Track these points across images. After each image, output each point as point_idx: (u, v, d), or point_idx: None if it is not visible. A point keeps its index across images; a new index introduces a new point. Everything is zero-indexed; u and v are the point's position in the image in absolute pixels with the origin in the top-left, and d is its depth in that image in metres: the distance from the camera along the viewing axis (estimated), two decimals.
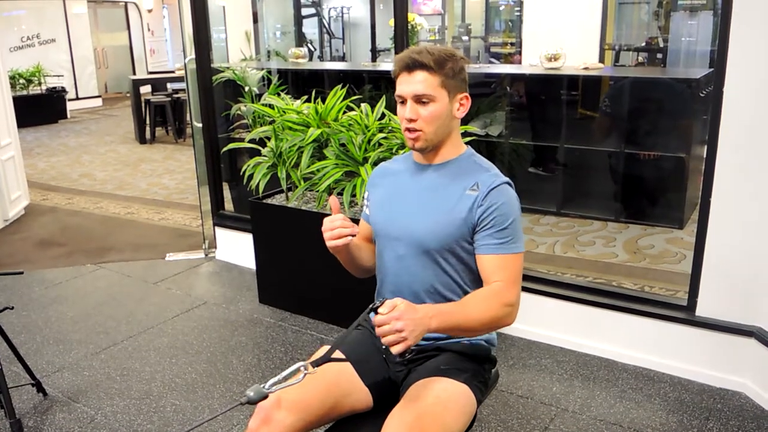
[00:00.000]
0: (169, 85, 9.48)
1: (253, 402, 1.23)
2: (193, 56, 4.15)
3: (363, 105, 3.33)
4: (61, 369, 2.97)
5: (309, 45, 9.87)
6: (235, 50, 5.77)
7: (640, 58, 7.49)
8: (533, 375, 2.83)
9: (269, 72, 5.17)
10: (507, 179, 1.63)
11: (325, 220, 1.59)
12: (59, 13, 12.73)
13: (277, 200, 3.56)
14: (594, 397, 2.65)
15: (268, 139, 3.46)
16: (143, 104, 9.03)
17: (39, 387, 2.69)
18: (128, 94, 10.76)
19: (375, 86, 5.08)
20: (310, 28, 10.83)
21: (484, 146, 4.74)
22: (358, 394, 1.64)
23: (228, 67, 4.70)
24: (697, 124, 4.26)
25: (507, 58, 9.29)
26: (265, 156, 3.44)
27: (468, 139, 2.70)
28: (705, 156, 2.59)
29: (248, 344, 3.18)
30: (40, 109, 10.76)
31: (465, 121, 1.99)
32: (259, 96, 4.42)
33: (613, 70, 6.13)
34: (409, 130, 1.60)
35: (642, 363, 2.85)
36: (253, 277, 3.72)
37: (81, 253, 4.57)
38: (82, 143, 9.17)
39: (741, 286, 2.59)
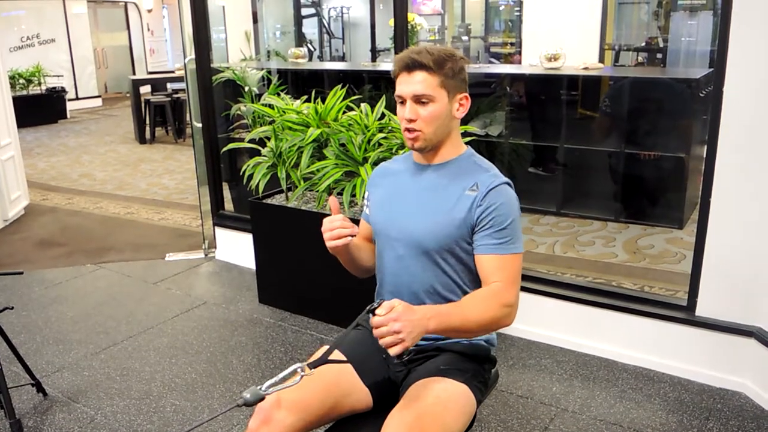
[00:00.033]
0: (168, 85, 9.48)
1: (249, 404, 1.22)
2: (193, 56, 4.15)
3: (363, 105, 3.33)
4: (60, 369, 2.97)
5: (309, 45, 9.87)
6: (234, 50, 5.77)
7: (640, 58, 7.49)
8: (533, 375, 2.83)
9: (269, 72, 5.17)
10: (506, 179, 1.62)
11: (325, 221, 1.59)
12: (59, 13, 12.73)
13: (277, 200, 3.56)
14: (594, 397, 2.65)
15: (268, 139, 3.46)
16: (143, 104, 9.04)
17: (39, 387, 2.69)
18: (128, 94, 10.76)
19: (375, 86, 5.08)
20: (309, 28, 10.83)
21: (483, 146, 4.74)
22: (358, 394, 1.64)
23: (228, 67, 4.70)
24: (697, 124, 4.26)
25: (507, 58, 9.29)
26: (264, 156, 3.44)
27: (468, 139, 2.70)
28: (705, 156, 2.59)
29: (248, 344, 3.18)
30: (39, 109, 10.76)
31: (465, 121, 1.99)
32: (259, 96, 4.42)
33: (613, 70, 6.13)
34: (408, 130, 1.60)
35: (642, 363, 2.85)
36: (253, 277, 3.72)
37: (81, 253, 4.57)
38: (82, 143, 9.17)
39: (741, 286, 2.59)
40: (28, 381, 2.68)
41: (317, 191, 3.19)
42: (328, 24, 11.34)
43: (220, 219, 4.32)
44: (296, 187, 3.30)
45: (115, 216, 5.51)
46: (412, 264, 1.64)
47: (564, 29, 5.45)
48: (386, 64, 5.74)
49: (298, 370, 1.31)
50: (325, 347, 1.50)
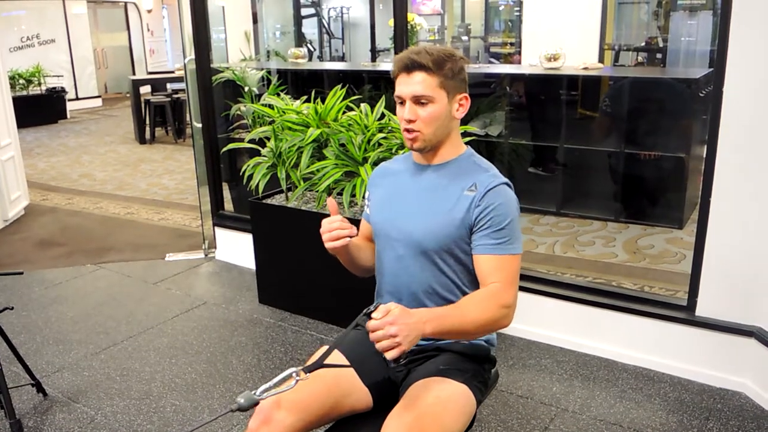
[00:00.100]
0: (168, 86, 9.48)
1: (243, 409, 1.22)
2: (193, 56, 4.15)
3: (362, 105, 3.33)
4: (61, 369, 2.97)
5: (308, 45, 9.87)
6: (234, 50, 5.77)
7: (640, 58, 7.49)
8: (533, 375, 2.83)
9: (269, 72, 5.17)
10: (506, 180, 1.62)
11: (324, 222, 1.60)
12: (59, 13, 12.73)
13: (277, 200, 3.56)
14: (594, 397, 2.65)
15: (268, 139, 3.46)
16: (143, 104, 9.04)
17: (39, 387, 2.69)
18: (128, 95, 10.77)
19: (374, 86, 5.08)
20: (309, 28, 10.83)
21: (483, 146, 4.74)
22: (357, 394, 1.64)
23: (228, 68, 4.70)
24: (697, 124, 4.26)
25: (507, 58, 9.30)
26: (264, 156, 3.44)
27: (468, 139, 2.70)
28: (705, 156, 2.59)
29: (248, 344, 3.18)
30: (39, 109, 10.76)
31: (465, 121, 1.99)
32: (259, 96, 4.43)
33: (613, 70, 6.13)
34: (407, 130, 1.60)
35: (642, 363, 2.85)
36: (253, 278, 3.72)
37: (81, 253, 4.57)
38: (82, 143, 9.17)
39: (741, 286, 2.59)
40: (28, 381, 2.68)
41: (317, 191, 3.19)
42: (328, 24, 11.34)
43: (220, 219, 4.32)
44: (296, 187, 3.30)
45: (115, 216, 5.51)
46: (412, 264, 1.64)
47: (564, 29, 5.46)
48: (386, 64, 5.74)
49: (293, 374, 1.30)
50: (324, 347, 1.50)
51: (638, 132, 4.45)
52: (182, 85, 6.11)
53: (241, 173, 3.54)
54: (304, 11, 10.19)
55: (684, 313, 2.74)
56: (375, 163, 2.97)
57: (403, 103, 1.60)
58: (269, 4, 8.90)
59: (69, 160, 8.03)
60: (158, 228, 5.14)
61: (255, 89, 4.55)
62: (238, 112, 4.44)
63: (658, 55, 7.23)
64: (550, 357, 2.97)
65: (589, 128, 4.75)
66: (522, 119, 4.95)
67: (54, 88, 11.24)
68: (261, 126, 3.78)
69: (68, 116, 11.51)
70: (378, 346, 1.32)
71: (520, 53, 6.84)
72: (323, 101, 3.37)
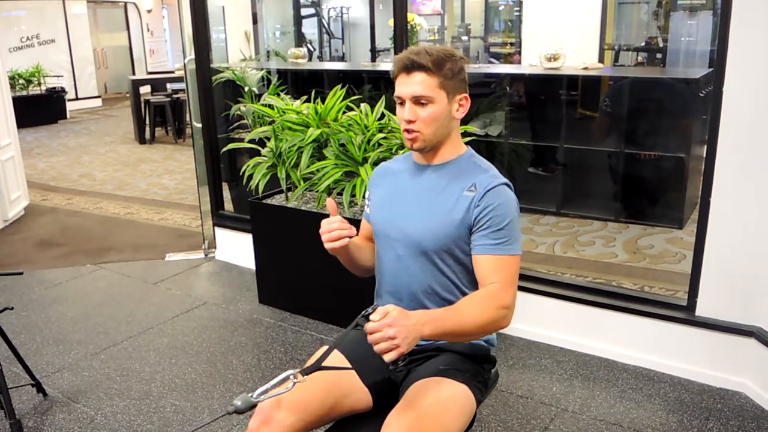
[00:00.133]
0: (168, 86, 9.48)
1: (240, 411, 1.21)
2: (193, 56, 4.15)
3: (362, 105, 3.33)
4: (60, 369, 2.97)
5: (308, 45, 9.87)
6: (234, 50, 5.77)
7: (640, 58, 7.49)
8: (533, 375, 2.83)
9: (269, 72, 5.17)
10: (505, 180, 1.62)
11: (323, 223, 1.59)
12: (59, 13, 12.73)
13: (277, 200, 3.56)
14: (594, 397, 2.65)
15: (268, 139, 3.46)
16: (143, 104, 9.04)
17: (39, 387, 2.69)
18: (128, 95, 10.76)
19: (374, 86, 5.08)
20: (309, 28, 10.83)
21: (483, 146, 4.74)
22: (357, 394, 1.64)
23: (227, 68, 4.70)
24: (697, 124, 4.26)
25: (506, 58, 9.30)
26: (264, 156, 3.44)
27: (467, 139, 2.70)
28: (705, 156, 2.59)
29: (248, 344, 3.18)
30: (39, 109, 10.76)
31: (464, 121, 1.99)
32: (259, 96, 4.43)
33: (613, 70, 6.13)
34: (407, 131, 1.60)
35: (642, 363, 2.85)
36: (253, 278, 3.72)
37: (81, 253, 4.57)
38: (82, 143, 9.17)
39: (741, 286, 2.59)
40: (28, 381, 2.68)
41: (317, 191, 3.19)
42: (328, 24, 11.34)
43: (220, 219, 4.32)
44: (296, 187, 3.30)
45: (115, 216, 5.51)
46: (411, 264, 1.64)
47: (564, 29, 5.46)
48: (386, 64, 5.74)
49: (291, 376, 1.30)
50: (324, 348, 1.50)
51: (638, 132, 4.45)
52: (182, 85, 6.12)
53: (241, 173, 3.54)
54: (304, 11, 10.19)
55: (684, 313, 2.74)
56: (375, 163, 2.97)
57: (402, 103, 1.59)
58: (269, 4, 8.90)
59: (69, 160, 8.03)
60: (158, 228, 5.14)
61: (255, 89, 4.55)
62: (238, 112, 4.44)
63: (658, 55, 7.24)
64: (550, 357, 2.97)
65: (589, 128, 4.75)
66: (522, 119, 4.95)
67: (54, 88, 11.24)
68: (261, 126, 3.78)
69: (68, 116, 11.51)
70: (376, 348, 1.31)
71: (520, 53, 6.84)
72: (323, 101, 3.37)
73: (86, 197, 6.18)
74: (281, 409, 1.51)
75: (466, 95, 1.63)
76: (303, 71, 5.79)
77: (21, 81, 10.65)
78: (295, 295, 3.48)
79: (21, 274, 2.78)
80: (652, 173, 4.47)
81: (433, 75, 1.54)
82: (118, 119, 11.51)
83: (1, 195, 5.07)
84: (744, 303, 2.59)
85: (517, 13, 9.56)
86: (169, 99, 8.93)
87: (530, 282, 3.08)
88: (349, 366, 1.65)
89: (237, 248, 4.16)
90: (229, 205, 4.50)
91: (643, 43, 7.48)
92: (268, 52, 7.89)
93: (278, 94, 3.82)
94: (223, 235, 4.31)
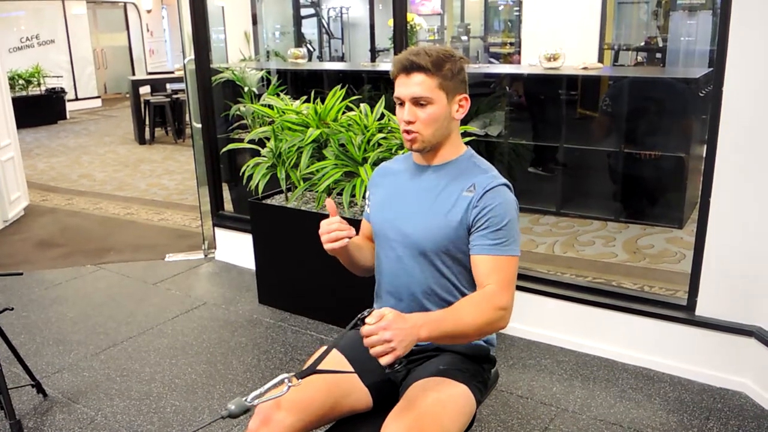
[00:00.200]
0: (168, 86, 9.48)
1: (234, 416, 1.21)
2: (193, 57, 4.15)
3: (362, 105, 3.33)
4: (60, 370, 2.97)
5: (308, 45, 9.87)
6: (234, 51, 5.77)
7: (639, 58, 7.50)
8: (533, 375, 2.83)
9: (268, 72, 5.17)
10: (505, 181, 1.61)
11: (322, 223, 1.59)
12: (58, 13, 12.73)
13: (277, 201, 3.56)
14: (594, 397, 2.65)
15: (268, 139, 3.46)
16: (142, 105, 9.04)
17: (39, 388, 2.69)
18: (127, 95, 10.76)
19: (374, 86, 5.08)
20: (309, 28, 10.84)
21: (483, 146, 4.74)
22: (357, 394, 1.64)
23: (227, 68, 4.70)
24: (697, 124, 4.26)
25: (506, 58, 9.30)
26: (264, 156, 3.44)
27: (467, 139, 2.70)
28: (704, 156, 2.59)
29: (248, 345, 3.18)
30: (39, 109, 10.76)
31: (464, 121, 1.99)
32: (259, 96, 4.42)
33: (612, 70, 6.14)
34: (407, 131, 1.60)
35: (642, 363, 2.85)
36: (253, 278, 3.72)
37: (80, 253, 4.57)
38: (82, 144, 9.17)
39: (741, 286, 2.59)
40: (28, 382, 2.68)
41: (317, 191, 3.19)
42: (328, 24, 11.35)
43: (220, 219, 4.32)
44: (296, 187, 3.30)
45: (115, 217, 5.51)
46: (410, 265, 1.64)
47: (563, 29, 5.46)
48: (386, 65, 5.74)
49: (285, 380, 1.29)
50: (323, 349, 1.50)
51: (638, 132, 4.45)
52: (182, 86, 6.11)
53: (240, 173, 3.54)
54: (303, 11, 10.20)
55: (684, 312, 2.74)
56: (375, 164, 2.97)
57: (402, 104, 1.59)
58: (269, 4, 8.90)
59: (68, 160, 8.03)
60: (158, 228, 5.14)
61: (255, 89, 4.55)
62: (238, 113, 4.44)
63: (658, 55, 7.24)
64: (550, 357, 2.97)
65: (589, 128, 4.75)
66: (522, 119, 4.95)
67: (53, 88, 11.24)
68: (261, 126, 3.78)
69: (68, 117, 11.51)
70: (372, 351, 1.30)
71: (519, 53, 6.85)
72: (323, 101, 3.37)
73: (86, 198, 6.18)
74: (281, 409, 1.51)
75: (466, 96, 1.62)
76: (303, 71, 5.79)
77: (21, 81, 10.65)
78: (295, 295, 3.48)
79: (21, 274, 2.78)
80: (651, 173, 4.47)
81: (432, 76, 1.54)
82: (118, 120, 11.51)
83: (0, 195, 5.07)
84: (744, 303, 2.59)
85: (517, 13, 9.57)
86: (168, 99, 8.93)
87: (530, 282, 3.08)
88: (348, 368, 1.65)
89: (237, 248, 4.16)
90: (229, 206, 4.50)
91: (642, 43, 7.49)
92: (267, 52, 7.89)
93: (278, 95, 3.82)
94: (223, 236, 4.31)
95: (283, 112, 3.52)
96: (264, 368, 2.94)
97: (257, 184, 3.36)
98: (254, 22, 6.84)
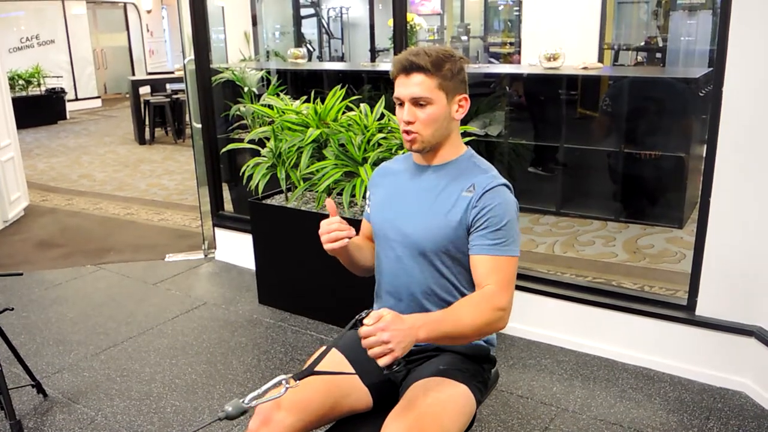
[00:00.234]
0: (168, 86, 9.49)
1: (231, 417, 1.20)
2: (192, 57, 4.15)
3: (362, 105, 3.33)
4: (61, 370, 2.97)
5: (308, 45, 9.88)
6: (234, 51, 5.77)
7: (639, 58, 7.50)
8: (533, 375, 2.83)
9: (268, 72, 5.17)
10: (505, 181, 1.61)
11: (322, 223, 1.59)
12: (58, 14, 12.74)
13: (277, 201, 3.56)
14: (594, 397, 2.65)
15: (268, 139, 3.46)
16: (142, 105, 9.04)
17: (39, 388, 2.69)
18: (127, 95, 10.77)
19: (374, 86, 5.08)
20: (309, 28, 10.84)
21: (483, 146, 4.74)
22: (357, 394, 1.64)
23: (227, 68, 4.70)
24: (697, 124, 4.26)
25: (506, 58, 9.30)
26: (264, 156, 3.44)
27: (467, 139, 2.70)
28: (704, 155, 2.59)
29: (248, 345, 3.18)
30: (39, 110, 10.76)
31: (464, 121, 1.99)
32: (259, 96, 4.42)
33: (612, 70, 6.14)
34: (406, 132, 1.60)
35: (642, 363, 2.85)
36: (253, 278, 3.72)
37: (80, 254, 4.57)
38: (82, 144, 9.17)
39: (741, 286, 2.59)
40: (28, 382, 2.68)
41: (317, 191, 3.19)
42: (327, 24, 11.35)
43: (220, 219, 4.32)
44: (296, 187, 3.30)
45: (115, 217, 5.51)
46: (410, 265, 1.64)
47: (563, 29, 5.46)
48: (385, 65, 5.74)
49: (283, 382, 1.29)
50: (322, 349, 1.50)
51: (638, 131, 4.45)
52: (182, 86, 6.12)
53: (240, 173, 3.54)
54: (303, 11, 10.20)
55: (684, 312, 2.74)
56: (375, 164, 2.97)
57: (401, 104, 1.59)
58: (269, 4, 8.90)
59: (68, 160, 8.03)
60: (158, 228, 5.14)
61: (254, 89, 4.55)
62: (238, 113, 4.44)
63: (658, 55, 7.24)
64: (550, 357, 2.97)
65: (589, 128, 4.75)
66: (521, 119, 4.95)
67: (53, 88, 11.25)
68: (260, 126, 3.78)
69: (68, 117, 11.51)
70: (370, 353, 1.30)
71: (519, 53, 6.85)
72: (323, 101, 3.37)
73: (86, 198, 6.18)
74: (281, 409, 1.51)
75: (466, 96, 1.62)
76: (302, 71, 5.79)
77: (21, 82, 10.66)
78: (295, 295, 3.48)
79: (21, 274, 2.78)
80: (651, 173, 4.47)
81: (431, 76, 1.54)
82: (118, 120, 11.51)
83: (0, 196, 5.07)
84: (744, 302, 2.59)
85: (517, 13, 9.57)
86: (168, 99, 8.93)
87: (530, 282, 3.08)
88: (348, 369, 1.65)
89: (237, 248, 4.16)
90: (228, 206, 4.50)
91: (642, 43, 7.49)
92: (267, 52, 7.89)
93: (278, 95, 3.82)
94: (222, 236, 4.31)
95: (283, 112, 3.52)
96: (264, 368, 2.94)
97: (257, 184, 3.36)
98: (254, 22, 6.84)
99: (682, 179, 4.32)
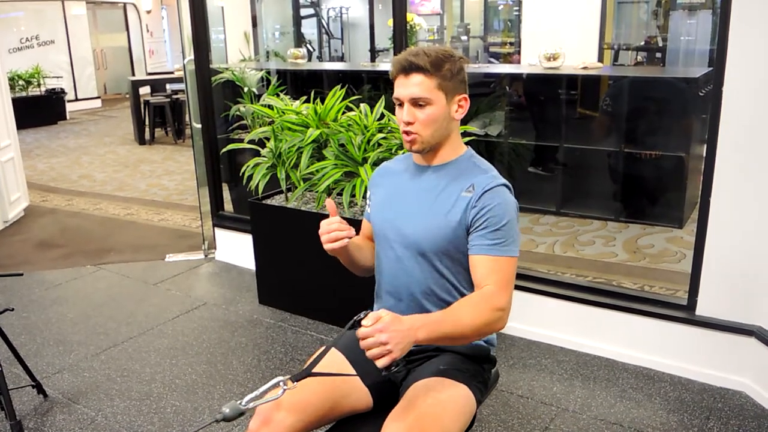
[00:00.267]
0: (168, 86, 9.49)
1: (228, 419, 1.20)
2: (192, 57, 4.15)
3: (362, 105, 3.33)
4: (61, 370, 2.97)
5: (308, 45, 9.88)
6: (234, 51, 5.77)
7: (639, 58, 7.50)
8: (533, 375, 2.83)
9: (268, 72, 5.17)
10: (504, 181, 1.61)
11: (322, 224, 1.59)
12: (58, 14, 12.73)
13: (277, 201, 3.56)
14: (594, 397, 2.65)
15: (268, 139, 3.46)
16: (142, 105, 9.04)
17: (39, 388, 2.69)
18: (127, 95, 10.76)
19: (374, 86, 5.08)
20: (308, 28, 10.85)
21: (483, 146, 4.74)
22: (357, 394, 1.64)
23: (227, 68, 4.70)
24: (697, 124, 4.26)
25: (506, 58, 9.30)
26: (264, 157, 3.44)
27: (467, 139, 2.70)
28: (704, 155, 2.59)
29: (248, 345, 3.18)
30: (39, 110, 10.76)
31: (464, 120, 1.99)
32: (258, 96, 4.43)
33: (612, 70, 6.14)
34: (406, 132, 1.60)
35: (642, 362, 2.85)
36: (253, 278, 3.72)
37: (81, 254, 4.57)
38: (82, 144, 9.17)
39: (741, 286, 2.59)
40: (28, 382, 2.68)
41: (317, 192, 3.19)
42: (327, 24, 11.35)
43: (220, 220, 4.32)
44: (296, 187, 3.30)
45: (115, 217, 5.51)
46: (410, 265, 1.64)
47: (563, 29, 5.46)
48: (385, 65, 5.74)
49: (281, 383, 1.29)
50: (322, 349, 1.50)
51: (638, 131, 4.45)
52: (182, 86, 6.12)
53: (240, 174, 3.54)
54: (303, 11, 10.20)
55: (684, 312, 2.74)
56: (375, 164, 2.97)
57: (401, 105, 1.59)
58: (268, 4, 8.90)
59: (68, 161, 8.03)
60: (158, 229, 5.14)
61: (254, 90, 4.55)
62: (238, 113, 4.44)
63: (658, 55, 7.24)
64: (551, 357, 2.97)
65: (589, 128, 4.75)
66: (521, 119, 4.95)
67: (53, 89, 11.25)
68: (260, 126, 3.78)
69: (68, 117, 11.51)
70: (368, 354, 1.30)
71: (519, 53, 6.85)
72: (323, 101, 3.37)
73: (86, 198, 6.18)
74: (281, 409, 1.51)
75: (466, 96, 1.62)
76: (302, 71, 5.79)
77: (21, 82, 10.66)
78: (295, 295, 3.48)
79: (21, 275, 2.78)
80: (651, 173, 4.47)
81: (431, 76, 1.54)
82: (118, 120, 11.51)
83: (0, 196, 5.07)
84: (744, 302, 2.59)
85: (517, 13, 9.57)
86: (168, 100, 8.93)
87: (530, 282, 3.08)
88: (348, 369, 1.65)
89: (237, 249, 4.16)
90: (229, 206, 4.50)
91: (642, 43, 7.49)
92: (267, 52, 7.89)
93: (278, 95, 3.82)
94: (223, 236, 4.31)
95: (283, 113, 3.52)
96: (264, 368, 2.94)
97: (257, 184, 3.36)
98: (254, 22, 6.84)
99: (682, 179, 4.32)
